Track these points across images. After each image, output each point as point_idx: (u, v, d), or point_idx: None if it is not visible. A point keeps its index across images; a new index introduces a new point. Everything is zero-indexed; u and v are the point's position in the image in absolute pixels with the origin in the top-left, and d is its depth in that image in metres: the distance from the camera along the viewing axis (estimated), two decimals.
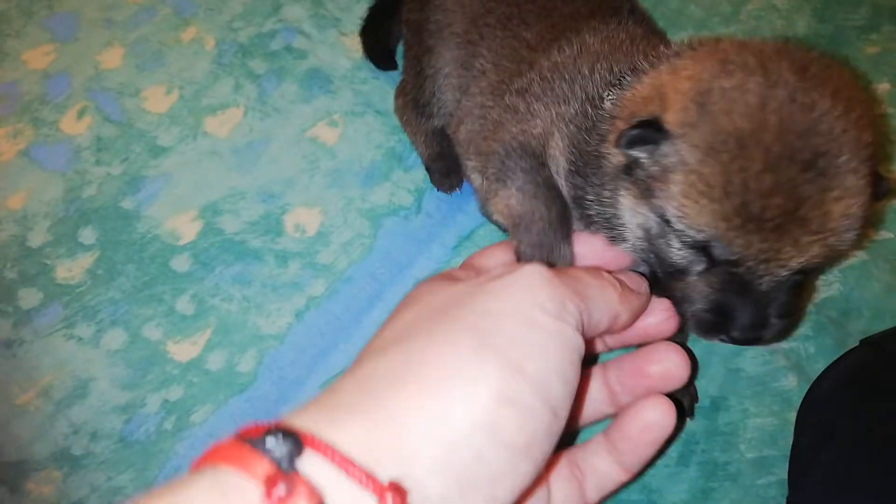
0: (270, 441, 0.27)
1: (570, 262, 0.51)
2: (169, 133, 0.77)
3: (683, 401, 0.64)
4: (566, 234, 0.52)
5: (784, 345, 0.68)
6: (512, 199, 0.54)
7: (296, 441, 0.27)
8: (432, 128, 0.72)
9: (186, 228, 0.72)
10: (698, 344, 0.67)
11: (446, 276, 0.38)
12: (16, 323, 0.68)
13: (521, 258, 0.51)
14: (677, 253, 0.46)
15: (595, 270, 0.38)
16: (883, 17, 0.85)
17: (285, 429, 0.27)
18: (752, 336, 0.46)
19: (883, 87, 0.82)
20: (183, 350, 0.67)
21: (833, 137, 0.42)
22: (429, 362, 0.30)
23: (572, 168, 0.53)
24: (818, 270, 0.52)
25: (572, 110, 0.54)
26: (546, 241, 0.51)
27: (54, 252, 0.71)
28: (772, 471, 0.63)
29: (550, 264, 0.41)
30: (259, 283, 0.70)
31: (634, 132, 0.44)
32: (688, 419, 0.64)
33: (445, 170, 0.73)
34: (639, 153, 0.45)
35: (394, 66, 0.79)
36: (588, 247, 0.51)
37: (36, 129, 0.77)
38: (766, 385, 0.66)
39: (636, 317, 0.40)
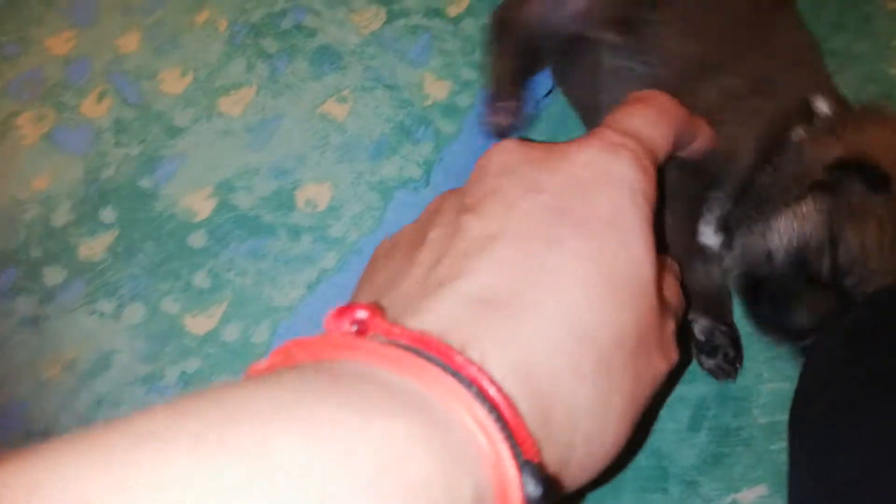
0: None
1: None
2: (184, 114, 0.79)
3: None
4: None
5: None
6: None
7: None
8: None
9: (202, 205, 0.74)
10: None
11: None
12: (41, 300, 0.71)
13: None
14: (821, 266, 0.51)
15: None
16: None
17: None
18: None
19: None
20: (199, 323, 0.69)
21: None
22: None
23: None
24: None
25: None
26: None
27: (76, 231, 0.73)
28: (784, 436, 0.62)
29: None
30: (272, 257, 0.71)
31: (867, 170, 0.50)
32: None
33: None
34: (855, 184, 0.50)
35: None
36: None
37: (59, 113, 0.80)
38: (781, 349, 0.65)
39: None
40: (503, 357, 0.25)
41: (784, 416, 0.63)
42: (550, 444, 0.26)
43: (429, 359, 0.23)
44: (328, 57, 0.80)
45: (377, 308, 0.26)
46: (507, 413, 0.23)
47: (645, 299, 0.31)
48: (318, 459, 0.19)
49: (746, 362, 0.65)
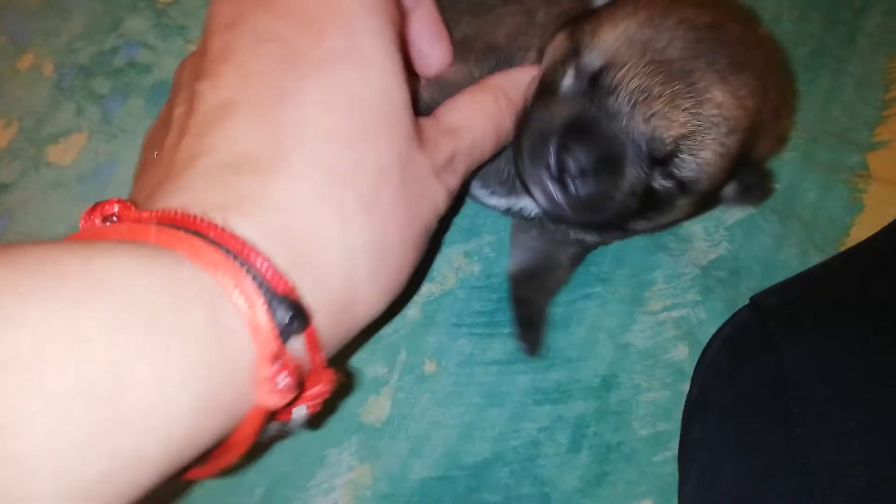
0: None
1: None
2: (10, 168, 0.72)
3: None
4: None
5: (673, 313, 0.65)
6: None
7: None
8: None
9: None
10: (584, 323, 0.64)
11: None
12: None
13: None
14: (566, 75, 0.45)
15: None
16: None
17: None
18: (563, 166, 0.41)
19: None
20: None
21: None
22: None
23: None
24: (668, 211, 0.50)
25: None
26: None
27: None
28: (667, 446, 0.60)
29: None
30: None
31: None
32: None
33: None
34: None
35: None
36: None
37: None
38: (657, 358, 0.63)
39: None
40: (250, 215, 0.27)
41: (665, 426, 0.61)
42: (326, 285, 0.28)
43: (168, 225, 0.26)
44: (165, 93, 0.74)
45: (127, 202, 0.28)
46: (252, 257, 0.26)
47: (400, 127, 0.31)
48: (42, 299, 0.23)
49: (623, 375, 0.62)
